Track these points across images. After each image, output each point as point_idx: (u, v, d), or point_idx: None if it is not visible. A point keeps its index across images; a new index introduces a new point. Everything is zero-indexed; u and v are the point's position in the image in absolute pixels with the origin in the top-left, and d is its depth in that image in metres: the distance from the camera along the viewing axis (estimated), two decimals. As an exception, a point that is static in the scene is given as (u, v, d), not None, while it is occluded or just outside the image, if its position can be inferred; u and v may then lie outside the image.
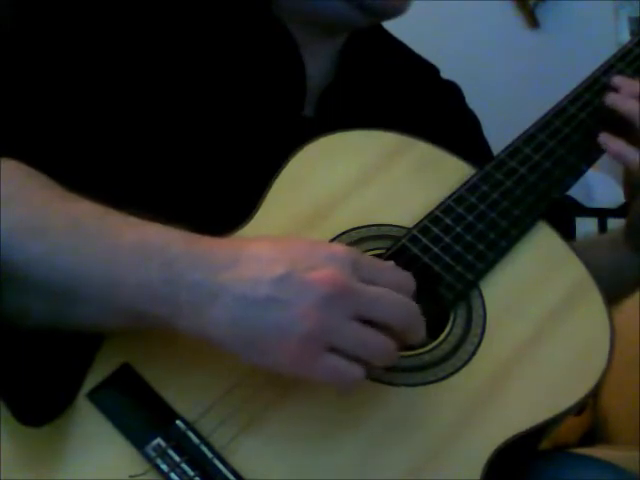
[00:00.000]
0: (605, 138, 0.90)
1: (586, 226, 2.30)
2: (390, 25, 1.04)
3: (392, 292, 0.71)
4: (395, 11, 0.94)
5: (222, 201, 0.84)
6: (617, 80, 0.92)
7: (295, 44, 0.94)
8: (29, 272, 0.72)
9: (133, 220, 0.74)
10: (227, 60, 0.91)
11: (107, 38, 0.86)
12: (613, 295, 0.84)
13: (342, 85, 0.98)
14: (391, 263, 0.75)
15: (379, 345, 0.70)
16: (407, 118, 0.91)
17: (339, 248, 0.72)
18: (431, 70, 1.10)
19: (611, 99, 0.91)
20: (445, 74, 1.12)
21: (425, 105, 1.03)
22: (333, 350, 0.69)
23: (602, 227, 2.38)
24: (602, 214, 2.36)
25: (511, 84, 2.83)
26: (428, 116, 0.98)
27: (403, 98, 1.02)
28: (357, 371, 0.69)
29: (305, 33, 0.95)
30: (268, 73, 0.93)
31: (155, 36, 0.88)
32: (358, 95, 0.98)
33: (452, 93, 1.11)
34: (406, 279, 0.74)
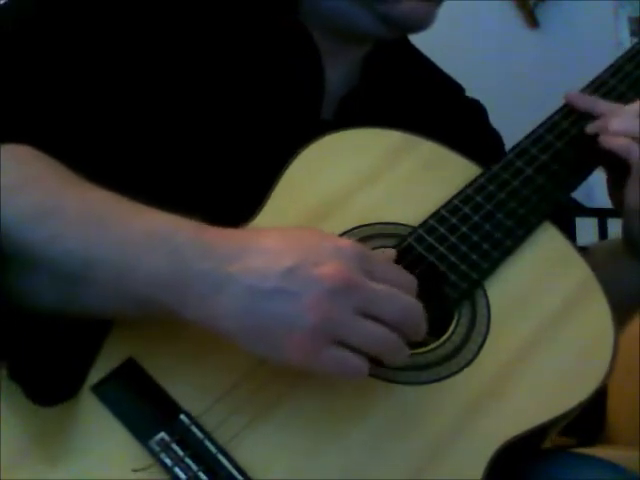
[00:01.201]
0: (606, 138, 0.89)
1: (586, 226, 2.30)
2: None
3: (396, 289, 0.71)
4: (416, 24, 0.93)
5: (236, 200, 0.85)
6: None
7: (316, 48, 0.94)
8: (41, 254, 0.73)
9: (144, 208, 0.75)
10: (247, 60, 0.92)
11: (129, 35, 0.87)
12: (619, 312, 0.83)
13: (364, 91, 0.98)
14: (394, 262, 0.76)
15: (383, 339, 0.70)
16: (427, 132, 0.91)
17: (347, 243, 0.73)
18: (456, 88, 1.10)
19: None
20: (448, 72, 1.12)
21: (447, 121, 1.02)
22: (338, 343, 0.69)
23: (602, 227, 2.39)
24: (602, 214, 2.36)
25: (511, 84, 2.83)
26: (449, 132, 0.98)
27: (424, 111, 1.01)
28: (361, 364, 0.70)
29: (329, 40, 0.95)
30: (287, 75, 0.94)
31: (177, 33, 0.89)
32: (379, 103, 0.98)
33: (476, 112, 1.10)
34: (408, 279, 0.74)
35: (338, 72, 0.97)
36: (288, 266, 0.69)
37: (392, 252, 0.79)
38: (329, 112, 0.96)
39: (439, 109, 1.04)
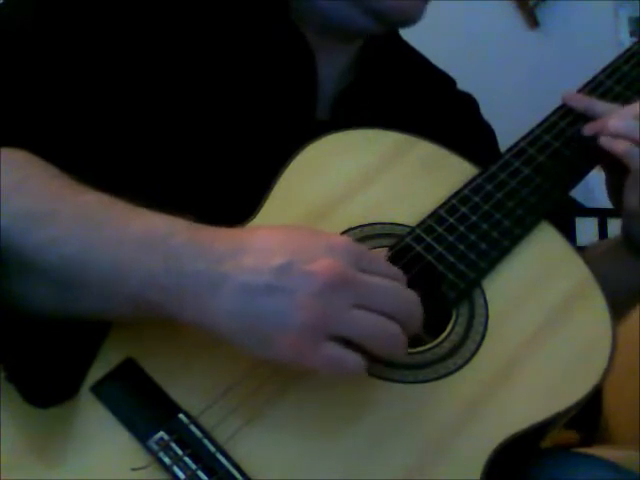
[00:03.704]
0: (606, 139, 0.90)
1: (586, 226, 2.30)
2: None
3: (392, 282, 0.71)
4: (403, 18, 0.94)
5: (230, 200, 0.85)
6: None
7: (309, 48, 0.95)
8: (36, 257, 0.73)
9: (139, 210, 0.75)
10: (240, 62, 0.92)
11: (121, 37, 0.87)
12: (616, 307, 0.84)
13: (358, 90, 0.98)
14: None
15: (382, 328, 0.70)
16: (421, 127, 0.91)
17: (339, 239, 0.73)
18: (447, 81, 1.11)
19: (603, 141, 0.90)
20: (445, 70, 1.12)
21: (440, 115, 1.03)
22: (334, 339, 0.69)
23: (602, 227, 2.39)
24: (602, 214, 2.36)
25: (511, 84, 2.83)
26: (442, 126, 0.99)
27: (418, 107, 1.02)
28: (357, 360, 0.70)
29: (320, 38, 0.95)
30: (280, 76, 0.94)
31: (170, 35, 0.89)
32: (373, 101, 0.99)
33: (467, 105, 1.11)
34: (396, 273, 0.74)
35: (331, 71, 0.97)
36: (281, 263, 0.69)
37: (382, 252, 0.80)
38: (324, 111, 0.96)
39: (432, 103, 1.04)
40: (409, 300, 0.72)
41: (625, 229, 0.95)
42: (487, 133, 1.11)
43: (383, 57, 1.02)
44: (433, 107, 1.04)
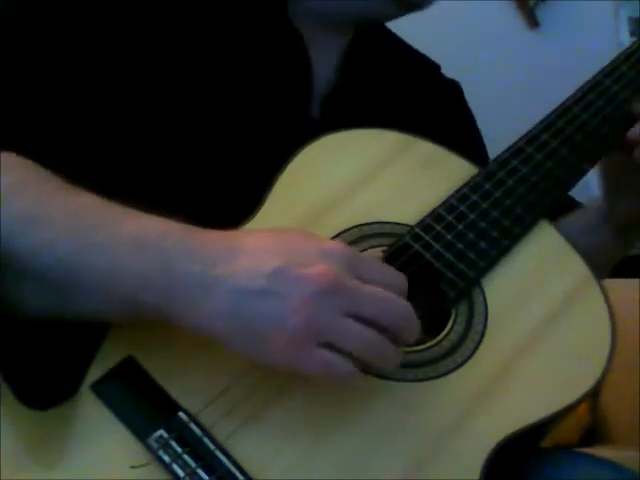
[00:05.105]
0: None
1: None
2: (390, 24, 1.05)
3: (385, 291, 0.71)
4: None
5: (227, 200, 0.85)
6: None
7: (304, 46, 0.95)
8: (33, 260, 0.73)
9: (132, 212, 0.75)
10: (235, 59, 0.92)
11: (116, 35, 0.87)
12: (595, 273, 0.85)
13: (346, 86, 0.98)
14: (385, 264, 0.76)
15: (372, 341, 0.70)
16: (409, 117, 0.92)
17: (334, 245, 0.73)
18: (433, 68, 1.11)
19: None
20: (445, 74, 1.12)
21: (425, 104, 1.04)
22: (326, 345, 0.69)
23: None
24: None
25: (511, 84, 2.83)
26: (428, 115, 0.99)
27: (406, 97, 1.03)
28: (348, 367, 0.70)
29: (313, 32, 0.95)
30: (276, 73, 0.94)
31: (163, 33, 0.89)
32: (362, 96, 0.99)
33: (452, 91, 1.12)
34: (398, 278, 0.74)
35: (323, 68, 0.97)
36: (275, 267, 0.69)
37: (378, 254, 0.80)
38: (316, 109, 0.96)
39: (418, 92, 1.05)
40: (402, 311, 0.71)
41: (619, 220, 0.97)
42: (468, 121, 1.12)
43: (371, 50, 1.02)
44: (419, 95, 1.05)
